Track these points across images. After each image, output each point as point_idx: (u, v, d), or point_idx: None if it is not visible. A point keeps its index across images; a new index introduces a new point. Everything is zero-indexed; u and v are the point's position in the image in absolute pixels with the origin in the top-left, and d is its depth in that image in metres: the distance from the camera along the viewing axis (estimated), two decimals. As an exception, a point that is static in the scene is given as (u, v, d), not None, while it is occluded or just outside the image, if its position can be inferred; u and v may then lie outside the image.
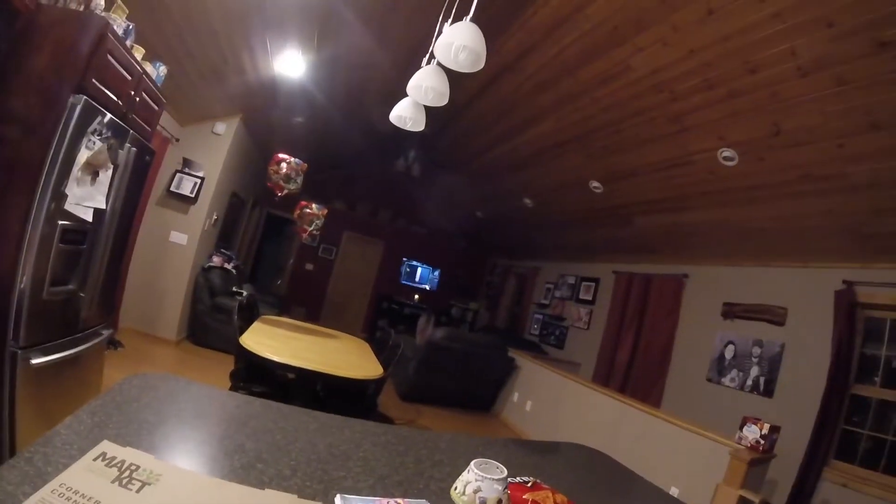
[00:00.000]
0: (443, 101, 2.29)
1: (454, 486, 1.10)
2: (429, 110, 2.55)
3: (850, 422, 3.80)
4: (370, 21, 4.03)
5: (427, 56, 2.39)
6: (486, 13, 1.89)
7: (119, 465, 0.84)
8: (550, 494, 1.23)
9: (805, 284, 4.40)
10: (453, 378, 6.27)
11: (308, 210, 4.24)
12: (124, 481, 0.80)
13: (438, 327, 6.87)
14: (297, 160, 4.07)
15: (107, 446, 0.89)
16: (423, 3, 3.64)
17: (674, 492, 3.66)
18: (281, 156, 4.05)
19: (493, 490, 1.03)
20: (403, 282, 11.29)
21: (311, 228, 4.24)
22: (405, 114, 2.57)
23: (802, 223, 4.10)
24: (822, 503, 3.66)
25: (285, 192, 4.04)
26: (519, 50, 4.40)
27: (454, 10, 2.34)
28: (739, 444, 3.35)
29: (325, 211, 4.35)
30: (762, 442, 3.23)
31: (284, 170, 3.94)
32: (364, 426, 1.48)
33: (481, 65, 1.91)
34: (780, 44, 2.91)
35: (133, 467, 0.84)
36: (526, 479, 1.29)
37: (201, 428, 1.18)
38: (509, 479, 1.13)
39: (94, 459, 0.83)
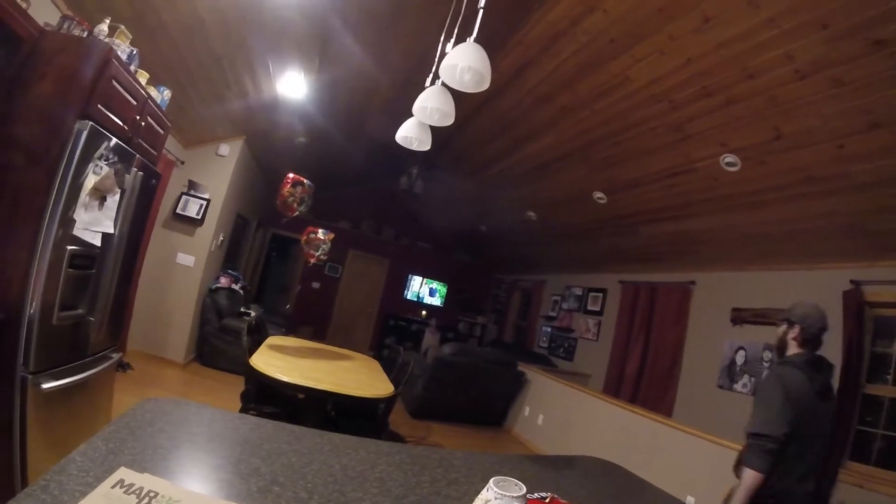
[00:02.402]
0: (448, 121, 2.30)
1: None
2: (432, 129, 2.56)
3: (864, 422, 3.77)
4: (370, 41, 4.07)
5: (431, 76, 2.41)
6: (484, 30, 1.91)
7: (137, 492, 0.83)
8: (569, 509, 1.21)
9: (813, 286, 4.38)
10: (463, 393, 6.22)
11: (314, 235, 4.22)
12: (143, 508, 0.79)
13: (446, 343, 6.83)
14: (308, 182, 4.05)
15: (124, 473, 0.88)
16: (423, 23, 3.68)
17: (690, 501, 3.62)
18: (295, 176, 4.00)
19: (511, 507, 1.02)
20: (409, 298, 11.27)
21: (319, 253, 4.22)
22: (411, 134, 2.59)
23: (807, 225, 4.09)
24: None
25: (296, 213, 4.01)
26: (517, 65, 4.44)
27: (456, 30, 2.36)
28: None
29: (332, 235, 4.32)
30: (777, 448, 3.18)
31: (300, 192, 3.92)
32: (378, 446, 1.47)
33: (486, 85, 1.93)
34: (776, 48, 2.93)
35: (152, 494, 0.83)
36: (543, 494, 1.28)
37: (216, 452, 1.17)
38: (527, 496, 1.12)
39: (113, 487, 0.83)
